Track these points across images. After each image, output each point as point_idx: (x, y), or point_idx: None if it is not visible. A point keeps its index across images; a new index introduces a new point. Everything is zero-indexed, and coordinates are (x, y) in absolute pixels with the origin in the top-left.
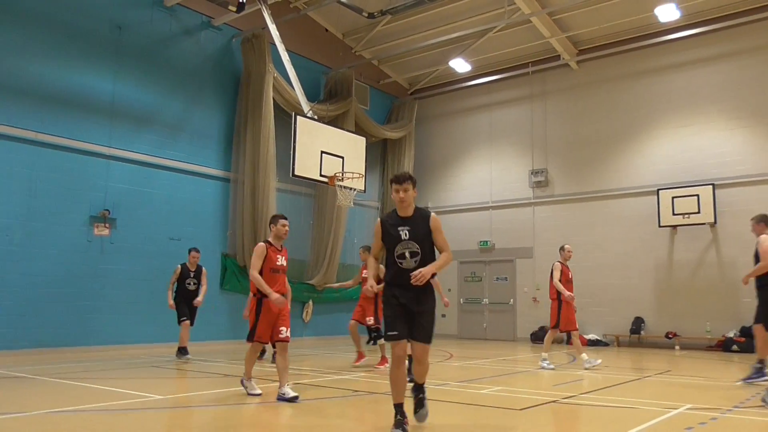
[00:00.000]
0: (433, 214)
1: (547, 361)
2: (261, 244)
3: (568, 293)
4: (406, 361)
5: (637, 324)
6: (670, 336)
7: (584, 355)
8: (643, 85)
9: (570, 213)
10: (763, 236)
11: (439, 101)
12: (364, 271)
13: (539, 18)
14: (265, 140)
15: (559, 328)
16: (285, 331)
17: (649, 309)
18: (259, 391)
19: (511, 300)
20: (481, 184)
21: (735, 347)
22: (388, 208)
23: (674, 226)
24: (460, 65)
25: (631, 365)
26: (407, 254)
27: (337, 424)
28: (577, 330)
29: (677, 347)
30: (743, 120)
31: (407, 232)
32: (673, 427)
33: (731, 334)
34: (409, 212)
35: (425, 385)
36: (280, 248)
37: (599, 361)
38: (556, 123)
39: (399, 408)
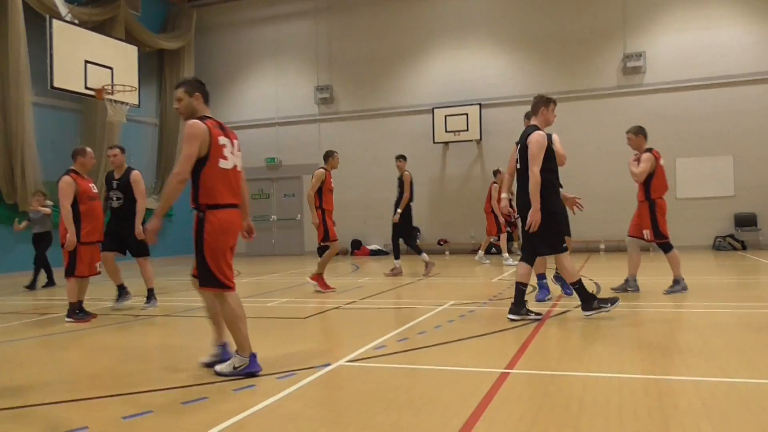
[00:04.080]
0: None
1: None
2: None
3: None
4: None
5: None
6: (441, 243)
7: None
8: (423, 6)
9: (353, 130)
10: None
11: (221, 11)
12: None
13: None
14: (14, 47)
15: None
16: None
17: (425, 219)
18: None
19: (299, 215)
20: (266, 100)
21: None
22: (168, 124)
23: (446, 143)
24: None
25: (408, 270)
26: None
27: None
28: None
29: (447, 252)
30: (506, 45)
31: None
32: (439, 320)
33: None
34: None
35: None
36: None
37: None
38: (340, 39)
39: None
